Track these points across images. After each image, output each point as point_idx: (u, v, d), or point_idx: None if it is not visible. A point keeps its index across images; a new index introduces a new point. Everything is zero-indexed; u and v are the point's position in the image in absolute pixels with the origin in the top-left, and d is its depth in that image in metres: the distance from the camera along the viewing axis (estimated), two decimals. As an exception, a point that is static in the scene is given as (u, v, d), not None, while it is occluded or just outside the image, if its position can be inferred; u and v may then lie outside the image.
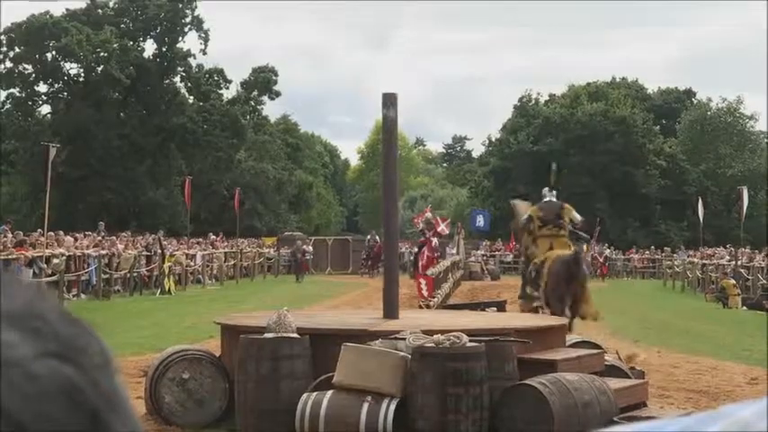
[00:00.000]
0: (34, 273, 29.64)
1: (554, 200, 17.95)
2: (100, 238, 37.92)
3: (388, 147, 12.57)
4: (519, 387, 9.79)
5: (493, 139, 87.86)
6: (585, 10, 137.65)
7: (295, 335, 10.49)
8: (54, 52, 72.72)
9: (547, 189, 18.42)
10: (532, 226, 17.14)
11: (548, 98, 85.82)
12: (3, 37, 72.43)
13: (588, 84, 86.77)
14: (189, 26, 77.37)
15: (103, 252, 34.56)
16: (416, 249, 40.05)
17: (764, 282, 34.98)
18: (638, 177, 75.88)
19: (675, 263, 50.82)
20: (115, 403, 0.77)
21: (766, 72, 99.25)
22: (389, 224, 12.94)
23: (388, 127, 12.50)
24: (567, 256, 16.08)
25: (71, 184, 63.14)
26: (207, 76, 78.39)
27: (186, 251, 43.19)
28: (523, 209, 18.10)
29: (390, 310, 12.32)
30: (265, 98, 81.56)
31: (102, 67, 72.28)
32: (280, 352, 10.28)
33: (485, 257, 58.30)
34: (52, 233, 34.31)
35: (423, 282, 25.66)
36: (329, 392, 9.72)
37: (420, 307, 21.45)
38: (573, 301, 15.84)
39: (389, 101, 12.38)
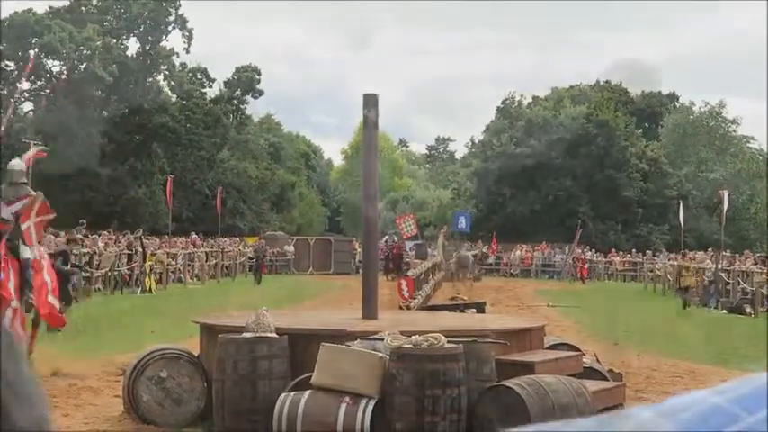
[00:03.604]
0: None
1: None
2: (81, 236, 37.79)
3: (368, 147, 12.59)
4: (497, 388, 9.80)
5: (476, 141, 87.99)
6: (569, 12, 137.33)
7: (273, 335, 10.49)
8: (37, 50, 72.49)
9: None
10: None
11: (531, 100, 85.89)
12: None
13: (571, 87, 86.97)
14: (172, 25, 77.29)
15: (84, 250, 34.46)
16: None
17: (745, 286, 35.08)
18: (621, 180, 76.01)
19: (656, 266, 50.92)
20: (18, 389, 0.76)
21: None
22: (369, 225, 12.95)
23: (368, 128, 12.52)
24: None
25: (52, 182, 63.00)
26: (190, 74, 78.35)
27: (167, 250, 43.13)
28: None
29: (369, 311, 12.33)
30: (248, 97, 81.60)
31: (84, 64, 72.13)
32: (258, 352, 10.27)
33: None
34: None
35: (403, 282, 25.67)
36: (307, 393, 9.71)
37: (400, 308, 21.44)
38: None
39: (370, 102, 12.40)
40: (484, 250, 58.45)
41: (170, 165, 68.48)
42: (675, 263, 40.22)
